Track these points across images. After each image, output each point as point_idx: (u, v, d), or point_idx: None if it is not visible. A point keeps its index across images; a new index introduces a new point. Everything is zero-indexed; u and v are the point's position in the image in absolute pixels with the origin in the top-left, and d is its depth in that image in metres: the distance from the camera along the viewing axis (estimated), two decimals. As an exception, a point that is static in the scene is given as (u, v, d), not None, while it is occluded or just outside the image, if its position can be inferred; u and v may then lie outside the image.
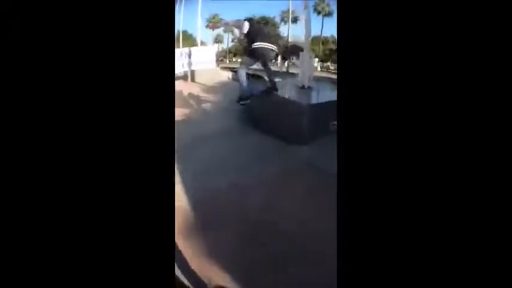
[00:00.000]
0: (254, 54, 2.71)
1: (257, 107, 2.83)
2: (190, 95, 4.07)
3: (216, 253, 1.24)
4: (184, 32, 7.57)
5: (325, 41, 10.80)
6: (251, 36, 2.72)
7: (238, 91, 2.92)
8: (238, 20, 2.81)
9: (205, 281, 1.10)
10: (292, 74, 7.00)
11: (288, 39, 9.74)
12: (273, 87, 2.78)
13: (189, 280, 1.02)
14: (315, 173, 1.87)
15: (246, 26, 2.72)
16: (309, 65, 3.09)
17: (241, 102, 2.82)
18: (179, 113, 3.17)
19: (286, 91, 2.97)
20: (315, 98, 2.89)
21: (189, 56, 5.16)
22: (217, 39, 11.40)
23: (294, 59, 8.38)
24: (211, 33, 10.60)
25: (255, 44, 2.66)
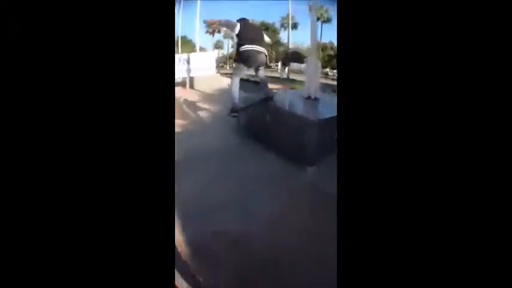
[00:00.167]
0: (241, 59, 2.51)
1: (258, 119, 2.56)
2: (188, 102, 3.86)
3: None
4: (184, 38, 7.43)
5: (324, 47, 10.72)
6: (239, 38, 2.52)
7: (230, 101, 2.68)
8: (230, 21, 2.62)
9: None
10: (293, 80, 6.87)
11: (288, 45, 9.64)
12: (266, 96, 2.56)
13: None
14: (330, 207, 1.62)
15: (237, 28, 2.53)
16: (315, 73, 2.77)
17: (232, 114, 2.60)
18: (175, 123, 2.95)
19: (291, 102, 2.74)
20: (323, 111, 2.65)
21: (188, 62, 4.99)
22: (217, 45, 11.26)
23: (296, 65, 8.27)
24: (211, 39, 10.45)
25: (242, 47, 2.46)
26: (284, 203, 1.65)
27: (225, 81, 5.44)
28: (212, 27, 3.34)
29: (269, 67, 8.81)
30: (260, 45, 2.50)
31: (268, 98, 2.60)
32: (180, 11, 6.47)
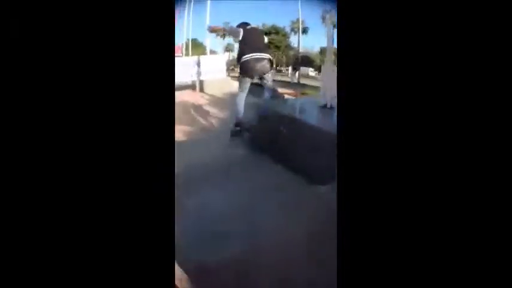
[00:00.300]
0: (242, 71, 2.36)
1: (270, 129, 2.35)
2: (196, 107, 3.76)
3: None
4: (194, 41, 7.38)
5: (335, 52, 10.55)
6: (240, 47, 2.39)
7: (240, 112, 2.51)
8: (234, 28, 2.49)
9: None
10: (304, 85, 6.74)
11: (298, 50, 9.53)
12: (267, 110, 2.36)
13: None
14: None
15: (241, 34, 2.39)
16: (332, 79, 2.48)
17: (234, 130, 2.45)
18: (179, 130, 2.82)
19: (304, 110, 2.53)
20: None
21: (198, 64, 4.92)
22: (228, 48, 11.22)
23: (304, 69, 8.17)
24: (222, 42, 10.42)
25: (244, 57, 2.33)
26: (295, 226, 1.46)
27: (236, 85, 5.32)
28: (215, 32, 3.23)
29: (279, 71, 8.71)
30: (262, 51, 2.35)
31: (276, 96, 2.44)
32: (190, 13, 6.42)
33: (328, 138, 1.85)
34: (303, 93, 5.30)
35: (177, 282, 0.91)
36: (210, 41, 7.04)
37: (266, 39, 2.60)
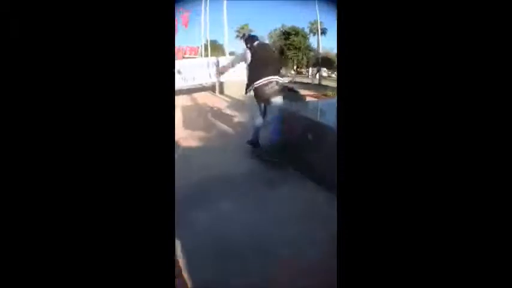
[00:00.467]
0: (256, 95, 2.27)
1: (296, 136, 2.15)
2: (214, 111, 3.63)
3: None
4: (214, 42, 7.34)
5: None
6: (250, 69, 2.28)
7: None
8: (239, 56, 2.41)
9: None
10: (325, 86, 6.50)
11: (318, 51, 9.29)
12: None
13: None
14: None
15: (249, 58, 2.27)
16: None
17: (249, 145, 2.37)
18: (194, 136, 2.68)
19: (326, 113, 2.31)
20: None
21: (217, 65, 4.83)
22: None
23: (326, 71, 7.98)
24: (241, 43, 10.38)
25: (255, 84, 2.22)
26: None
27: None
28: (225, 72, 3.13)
29: (300, 73, 8.52)
30: (270, 72, 2.23)
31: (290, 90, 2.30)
32: (207, 14, 6.36)
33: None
34: (324, 96, 5.10)
35: None
36: (229, 43, 6.97)
37: (276, 52, 2.47)
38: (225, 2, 6.16)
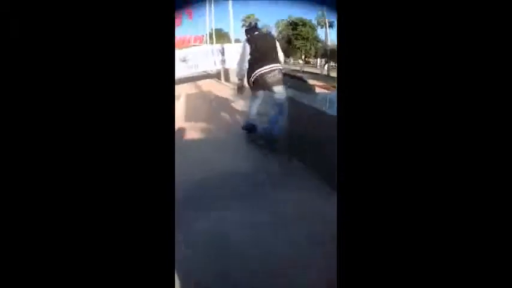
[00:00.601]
0: (253, 88, 2.22)
1: (306, 131, 2.01)
2: (219, 99, 3.46)
3: None
4: (219, 30, 7.18)
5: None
6: (248, 62, 2.21)
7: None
8: (240, 62, 2.31)
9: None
10: (334, 78, 6.33)
11: (326, 42, 9.08)
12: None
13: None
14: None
15: (248, 49, 2.19)
16: None
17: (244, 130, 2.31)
18: (195, 128, 2.52)
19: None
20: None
21: (222, 53, 4.67)
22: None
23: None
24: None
25: (254, 73, 2.15)
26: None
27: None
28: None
29: (308, 62, 8.35)
30: (271, 61, 2.14)
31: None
32: (212, 4, 6.16)
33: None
34: (333, 87, 4.97)
35: None
36: (234, 31, 6.77)
37: (278, 45, 2.28)
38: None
